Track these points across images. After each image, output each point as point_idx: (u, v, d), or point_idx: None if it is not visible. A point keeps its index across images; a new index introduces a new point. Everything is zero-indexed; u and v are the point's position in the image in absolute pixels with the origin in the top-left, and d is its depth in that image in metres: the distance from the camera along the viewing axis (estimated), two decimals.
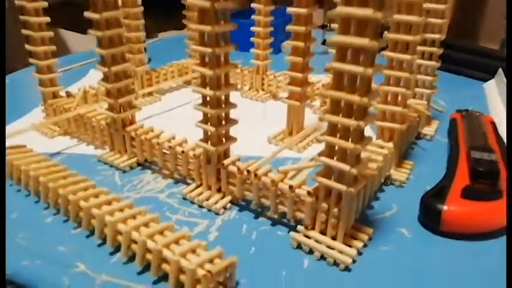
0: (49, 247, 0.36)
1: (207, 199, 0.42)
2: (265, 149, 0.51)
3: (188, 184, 0.46)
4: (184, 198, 0.43)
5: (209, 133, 0.40)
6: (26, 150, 0.48)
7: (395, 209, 0.42)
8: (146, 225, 0.35)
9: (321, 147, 0.34)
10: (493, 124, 0.55)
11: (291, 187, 0.36)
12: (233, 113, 0.41)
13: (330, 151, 0.33)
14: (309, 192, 0.35)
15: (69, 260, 0.34)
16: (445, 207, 0.37)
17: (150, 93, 0.72)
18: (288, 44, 0.50)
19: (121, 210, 0.36)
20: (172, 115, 0.65)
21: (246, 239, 0.37)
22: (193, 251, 0.32)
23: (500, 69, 0.78)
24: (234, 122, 0.40)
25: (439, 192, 0.40)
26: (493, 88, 0.76)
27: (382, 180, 0.45)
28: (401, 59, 0.43)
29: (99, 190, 0.39)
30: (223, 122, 0.40)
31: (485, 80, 0.81)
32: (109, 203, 0.37)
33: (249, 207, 0.42)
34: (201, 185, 0.43)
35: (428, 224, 0.39)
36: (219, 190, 0.42)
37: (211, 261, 0.31)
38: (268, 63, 0.71)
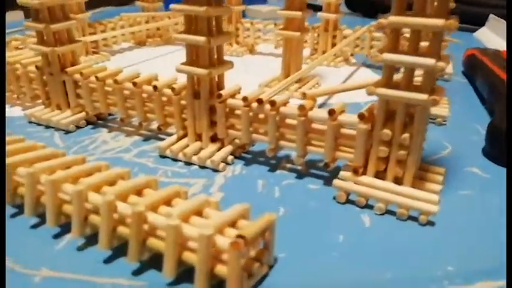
0: None
1: (197, 152, 0.29)
2: None
3: (162, 140, 0.32)
4: (163, 156, 0.30)
5: (196, 52, 0.27)
6: None
7: (451, 147, 0.32)
8: (111, 184, 0.21)
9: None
10: None
11: (332, 112, 0.24)
12: None
13: (394, 41, 0.22)
14: (361, 116, 0.23)
15: None
16: None
17: (95, 52, 0.57)
18: None
19: (66, 167, 0.23)
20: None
21: (266, 197, 0.25)
22: (198, 213, 0.19)
23: (491, 15, 0.71)
24: (227, 35, 0.28)
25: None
26: (487, 34, 0.69)
27: None
28: None
29: (30, 145, 0.25)
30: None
31: (471, 31, 0.74)
32: (45, 158, 0.23)
33: (258, 160, 0.29)
34: (185, 135, 0.30)
35: (506, 158, 0.29)
36: (212, 139, 0.29)
37: (232, 225, 0.18)
38: (242, 9, 0.59)
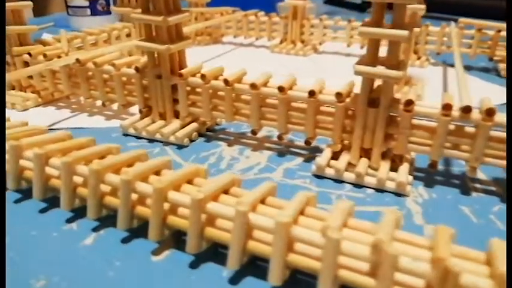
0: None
1: (366, 172, 0.24)
2: None
3: (301, 155, 0.27)
4: (318, 176, 0.25)
5: (377, 49, 0.22)
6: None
7: None
8: (301, 213, 0.16)
9: None
10: None
11: None
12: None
13: None
14: None
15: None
16: None
17: None
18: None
19: (225, 191, 0.18)
20: None
21: (491, 229, 0.20)
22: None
23: None
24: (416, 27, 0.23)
25: None
26: None
27: None
28: None
29: (193, 170, 0.19)
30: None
31: None
32: (187, 181, 0.18)
33: (436, 179, 0.25)
34: (342, 150, 0.25)
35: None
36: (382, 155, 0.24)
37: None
38: (307, 5, 0.54)
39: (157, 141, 0.29)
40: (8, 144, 0.21)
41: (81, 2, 0.66)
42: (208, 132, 0.31)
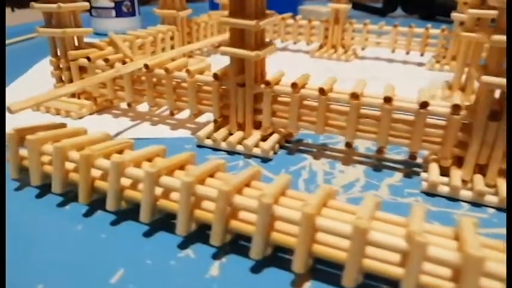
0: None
1: (480, 191, 0.22)
2: None
3: (398, 169, 0.26)
4: (429, 194, 0.23)
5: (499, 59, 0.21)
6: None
7: None
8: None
9: None
10: None
11: None
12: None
13: None
14: None
15: None
16: None
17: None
18: None
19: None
20: None
21: None
22: None
23: None
24: None
25: None
26: None
27: None
28: None
29: (281, 182, 0.18)
30: None
31: None
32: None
33: None
34: (451, 166, 0.23)
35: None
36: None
37: None
38: (348, 8, 0.52)
39: (237, 153, 0.27)
40: (110, 162, 0.19)
41: (106, 3, 0.64)
42: (287, 144, 0.29)
